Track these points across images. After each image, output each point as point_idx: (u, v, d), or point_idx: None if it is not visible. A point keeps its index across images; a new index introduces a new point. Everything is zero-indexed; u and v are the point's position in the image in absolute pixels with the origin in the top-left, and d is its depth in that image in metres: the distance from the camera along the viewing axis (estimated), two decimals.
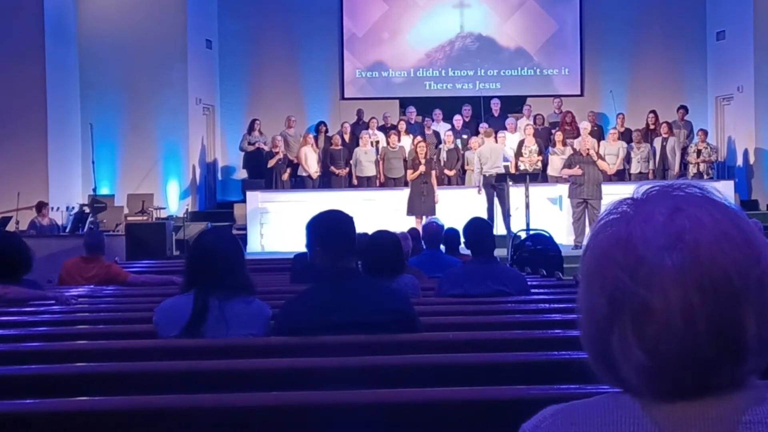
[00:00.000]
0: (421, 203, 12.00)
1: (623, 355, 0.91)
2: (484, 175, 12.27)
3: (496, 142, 13.00)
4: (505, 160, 12.88)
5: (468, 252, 5.19)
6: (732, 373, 0.92)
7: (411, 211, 12.01)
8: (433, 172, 12.26)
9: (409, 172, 12.45)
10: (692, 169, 13.51)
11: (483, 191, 12.32)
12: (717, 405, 0.91)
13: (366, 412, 2.13)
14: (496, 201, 12.14)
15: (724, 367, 0.91)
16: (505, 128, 13.84)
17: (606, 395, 0.98)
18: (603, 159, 12.11)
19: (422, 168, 12.07)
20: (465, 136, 14.08)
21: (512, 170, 12.50)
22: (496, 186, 12.03)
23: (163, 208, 13.86)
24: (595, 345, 0.95)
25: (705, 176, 13.27)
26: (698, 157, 13.53)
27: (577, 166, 11.66)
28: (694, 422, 0.91)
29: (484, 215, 11.48)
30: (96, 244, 7.04)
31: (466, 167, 13.46)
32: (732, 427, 0.90)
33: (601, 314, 0.92)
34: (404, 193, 12.47)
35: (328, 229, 3.08)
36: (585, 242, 0.99)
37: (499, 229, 11.31)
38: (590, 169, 11.62)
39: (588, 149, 11.83)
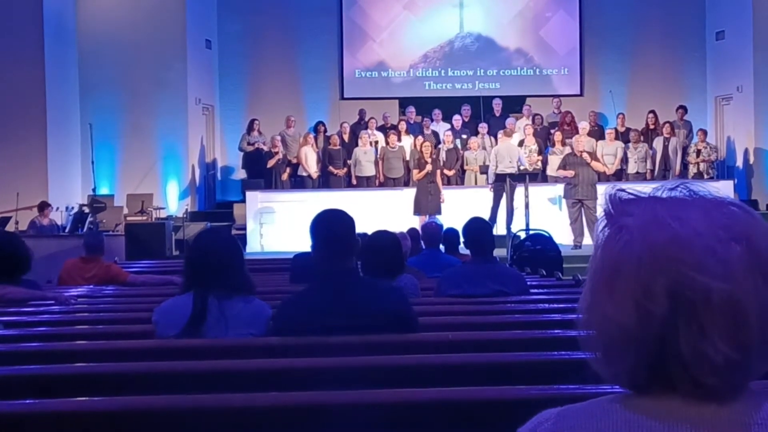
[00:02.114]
0: (427, 202, 12.00)
1: (698, 353, 0.89)
2: (499, 174, 12.24)
3: (497, 142, 13.01)
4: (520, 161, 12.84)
5: (467, 252, 5.18)
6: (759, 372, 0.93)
7: (418, 210, 12.00)
8: (438, 171, 12.28)
9: (415, 171, 12.43)
10: (692, 169, 13.48)
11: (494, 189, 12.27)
12: (725, 407, 0.91)
13: (366, 412, 2.13)
14: (503, 200, 12.09)
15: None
16: (505, 128, 13.82)
17: (601, 399, 0.97)
18: (598, 159, 12.06)
19: (429, 167, 12.06)
20: (464, 136, 14.08)
21: (516, 171, 12.47)
22: (506, 185, 11.99)
23: (163, 208, 13.86)
24: (640, 349, 0.92)
25: (705, 176, 13.22)
26: (698, 156, 13.52)
27: (570, 168, 11.62)
28: (695, 424, 0.91)
29: (488, 214, 11.49)
30: (95, 245, 7.03)
31: (465, 167, 13.45)
32: (742, 429, 0.90)
33: (661, 316, 0.90)
34: (404, 193, 12.46)
35: (327, 228, 3.06)
36: (601, 249, 0.96)
37: (499, 228, 11.30)
38: (584, 170, 11.57)
39: (581, 150, 11.78)
